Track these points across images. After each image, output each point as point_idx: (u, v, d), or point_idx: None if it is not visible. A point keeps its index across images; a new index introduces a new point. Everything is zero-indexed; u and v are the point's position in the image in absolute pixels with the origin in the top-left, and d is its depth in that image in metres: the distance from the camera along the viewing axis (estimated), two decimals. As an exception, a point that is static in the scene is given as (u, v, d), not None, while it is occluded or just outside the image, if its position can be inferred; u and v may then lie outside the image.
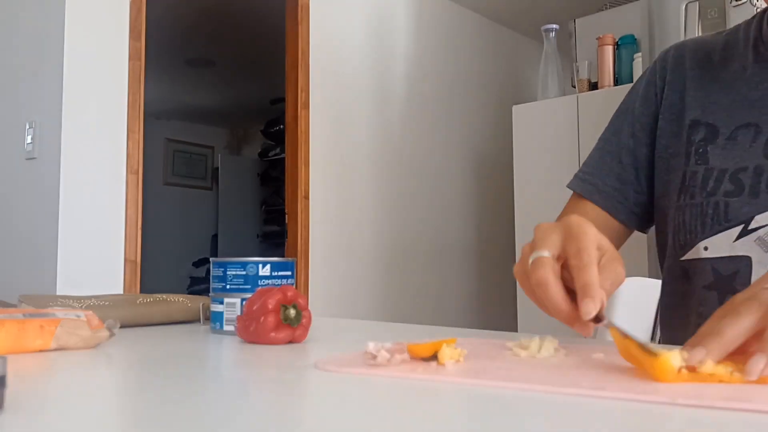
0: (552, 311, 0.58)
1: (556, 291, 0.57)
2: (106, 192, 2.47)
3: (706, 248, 0.80)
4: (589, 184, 0.92)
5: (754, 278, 0.75)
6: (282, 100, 3.42)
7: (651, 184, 0.91)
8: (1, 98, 2.68)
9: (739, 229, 0.77)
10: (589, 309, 0.54)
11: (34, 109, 2.51)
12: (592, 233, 0.58)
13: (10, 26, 2.69)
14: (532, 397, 0.44)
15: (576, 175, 0.95)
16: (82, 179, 2.41)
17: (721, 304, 0.79)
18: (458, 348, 0.56)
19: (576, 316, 0.56)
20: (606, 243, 0.60)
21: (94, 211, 2.43)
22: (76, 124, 2.41)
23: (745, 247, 0.76)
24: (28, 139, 2.49)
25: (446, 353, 0.54)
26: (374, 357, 0.54)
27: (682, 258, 0.83)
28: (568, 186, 0.95)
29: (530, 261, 0.58)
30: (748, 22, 0.88)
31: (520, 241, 3.12)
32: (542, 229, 0.60)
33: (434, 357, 0.55)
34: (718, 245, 0.79)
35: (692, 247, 0.81)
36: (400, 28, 3.63)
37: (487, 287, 4.00)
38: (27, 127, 2.50)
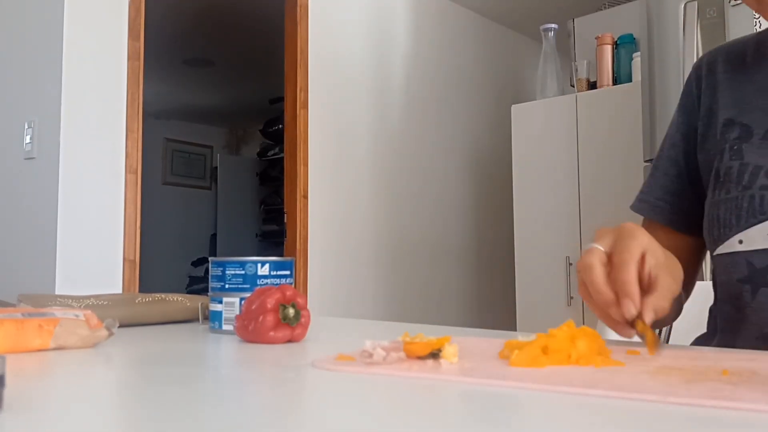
0: (594, 296, 0.62)
1: (598, 273, 0.61)
2: (105, 191, 2.47)
3: (740, 242, 0.80)
4: (643, 203, 0.94)
5: None
6: (281, 99, 3.42)
7: (700, 190, 0.90)
8: (1, 98, 2.69)
9: None
10: (629, 308, 0.57)
11: (33, 108, 2.51)
12: (642, 238, 0.61)
13: (10, 26, 2.69)
14: (526, 395, 0.45)
15: (636, 197, 0.97)
16: (81, 179, 2.41)
17: (754, 296, 0.79)
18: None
19: (617, 309, 0.60)
20: (657, 249, 0.63)
21: (93, 210, 2.43)
22: (75, 123, 2.41)
23: None
24: (27, 139, 2.49)
25: (449, 351, 0.55)
26: (371, 355, 0.55)
27: (717, 252, 0.84)
28: (630, 208, 0.97)
29: (582, 251, 0.64)
30: None
31: (519, 240, 3.12)
32: (601, 231, 0.65)
33: (430, 355, 0.56)
34: (753, 238, 0.78)
35: (726, 240, 0.81)
36: (400, 27, 3.63)
37: (487, 286, 4.01)
38: (26, 126, 2.50)
